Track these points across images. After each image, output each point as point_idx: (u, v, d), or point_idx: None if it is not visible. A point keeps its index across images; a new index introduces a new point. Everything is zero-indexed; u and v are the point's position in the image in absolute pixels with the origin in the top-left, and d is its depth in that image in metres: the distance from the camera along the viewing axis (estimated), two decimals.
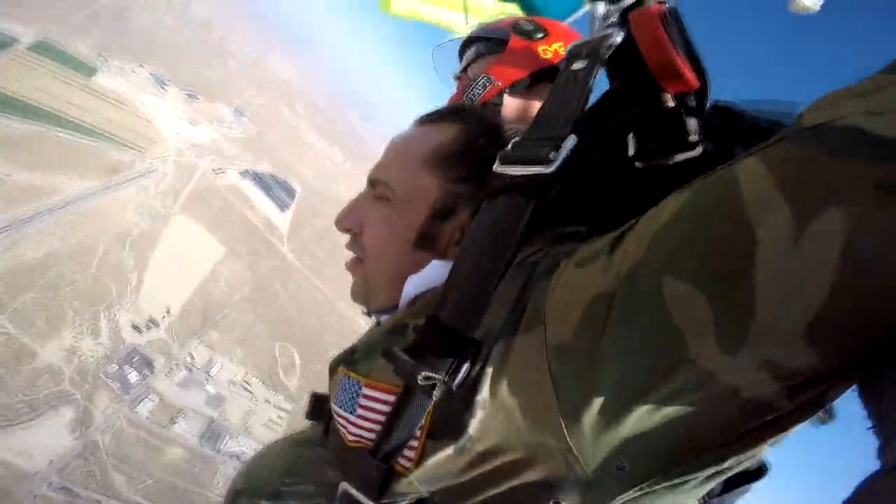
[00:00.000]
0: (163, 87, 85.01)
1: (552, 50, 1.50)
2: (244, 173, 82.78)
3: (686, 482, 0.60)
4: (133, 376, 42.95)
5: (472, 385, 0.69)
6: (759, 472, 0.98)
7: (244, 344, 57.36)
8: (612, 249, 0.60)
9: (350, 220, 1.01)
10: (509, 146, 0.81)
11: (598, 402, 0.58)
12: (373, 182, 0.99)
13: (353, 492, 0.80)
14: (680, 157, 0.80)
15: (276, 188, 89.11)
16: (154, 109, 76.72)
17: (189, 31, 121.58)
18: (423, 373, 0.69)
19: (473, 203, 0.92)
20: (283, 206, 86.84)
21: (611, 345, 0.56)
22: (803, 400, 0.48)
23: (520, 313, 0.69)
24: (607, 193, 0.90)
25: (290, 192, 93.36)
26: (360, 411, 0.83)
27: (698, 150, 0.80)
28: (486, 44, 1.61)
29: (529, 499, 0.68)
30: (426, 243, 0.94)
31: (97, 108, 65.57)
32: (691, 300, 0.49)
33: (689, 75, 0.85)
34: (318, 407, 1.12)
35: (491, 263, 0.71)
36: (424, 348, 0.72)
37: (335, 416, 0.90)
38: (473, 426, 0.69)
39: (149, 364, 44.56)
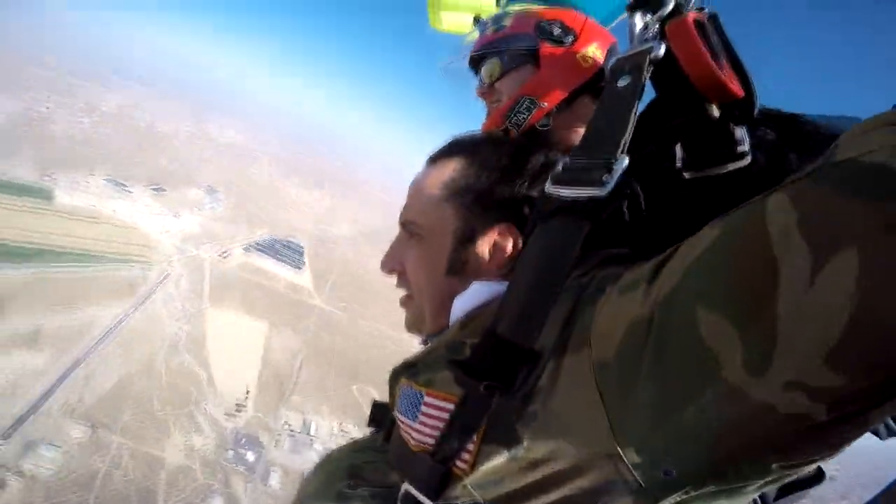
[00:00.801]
0: (126, 190, 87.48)
1: (591, 56, 1.44)
2: (248, 248, 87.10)
3: (731, 489, 0.66)
4: (250, 456, 47.80)
5: (527, 395, 0.77)
6: (816, 478, 1.08)
7: (326, 398, 61.75)
8: (651, 278, 0.67)
9: (392, 263, 1.15)
10: (559, 167, 0.89)
11: (642, 415, 0.64)
12: (403, 224, 1.13)
13: (414, 492, 0.91)
14: (729, 167, 0.82)
15: (284, 250, 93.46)
16: (132, 215, 79.86)
17: (113, 125, 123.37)
18: (482, 382, 0.79)
19: (498, 221, 1.04)
20: (297, 266, 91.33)
21: (650, 364, 0.62)
22: (841, 413, 0.50)
23: (568, 334, 0.76)
24: (656, 206, 0.91)
25: (298, 250, 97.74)
26: (421, 418, 0.93)
27: (747, 160, 0.82)
28: (511, 56, 1.50)
29: (578, 503, 0.75)
30: (456, 269, 1.05)
31: (76, 230, 68.67)
32: (722, 328, 0.54)
33: (731, 85, 0.90)
34: (379, 414, 1.26)
35: (548, 284, 0.80)
36: (484, 360, 0.82)
37: (399, 422, 1.00)
38: (526, 435, 0.76)
39: (257, 441, 49.39)
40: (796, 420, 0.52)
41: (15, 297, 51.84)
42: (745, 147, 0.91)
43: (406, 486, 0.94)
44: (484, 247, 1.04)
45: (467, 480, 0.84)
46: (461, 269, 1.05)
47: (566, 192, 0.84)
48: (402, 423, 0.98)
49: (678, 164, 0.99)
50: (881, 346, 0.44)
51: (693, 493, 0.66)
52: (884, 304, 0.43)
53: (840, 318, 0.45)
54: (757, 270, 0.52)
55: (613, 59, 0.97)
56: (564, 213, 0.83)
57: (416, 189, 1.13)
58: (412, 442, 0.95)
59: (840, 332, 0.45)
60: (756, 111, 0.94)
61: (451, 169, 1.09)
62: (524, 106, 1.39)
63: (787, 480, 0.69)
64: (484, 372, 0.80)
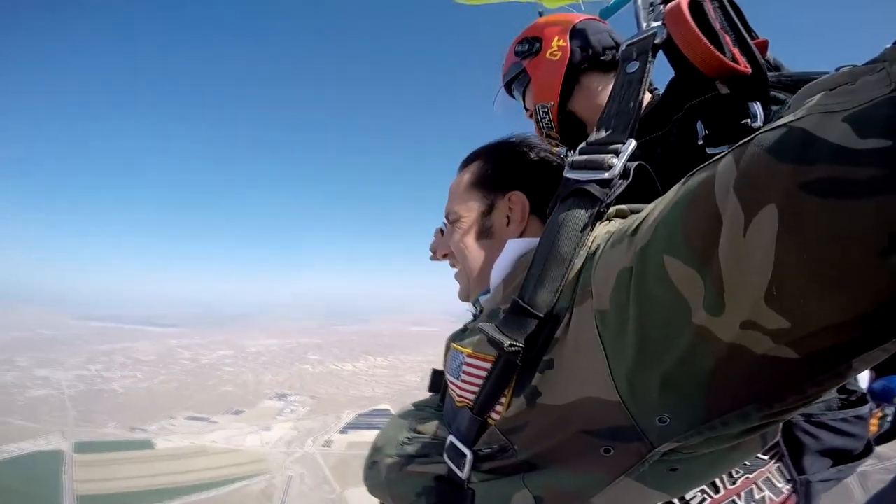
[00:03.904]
0: (211, 422, 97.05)
1: (557, 48, 1.62)
2: (343, 430, 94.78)
3: (721, 436, 0.73)
4: None
5: (543, 349, 0.89)
6: (864, 452, 1.15)
7: None
8: (634, 232, 0.76)
9: (438, 250, 1.42)
10: (577, 152, 1.01)
11: (634, 357, 0.73)
12: (446, 216, 1.37)
13: (456, 442, 1.05)
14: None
15: (375, 419, 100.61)
16: (229, 440, 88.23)
17: (163, 370, 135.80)
18: (507, 342, 0.90)
19: (509, 191, 1.26)
20: None
21: (634, 310, 0.72)
22: (808, 353, 0.56)
23: (577, 290, 0.87)
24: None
25: (385, 413, 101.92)
26: (463, 376, 1.08)
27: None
28: (516, 83, 1.79)
29: (586, 446, 0.85)
30: (485, 233, 1.28)
31: (192, 465, 76.23)
32: (687, 274, 0.63)
33: (734, 65, 0.95)
34: (437, 379, 1.53)
35: (561, 256, 0.91)
36: (510, 324, 0.94)
37: (448, 382, 1.17)
38: (544, 383, 0.88)
39: None
40: (771, 362, 0.59)
41: None
42: (759, 122, 0.96)
43: (450, 438, 1.08)
44: (502, 213, 1.27)
45: (497, 426, 0.98)
46: (489, 232, 1.28)
47: (579, 175, 0.96)
48: (450, 382, 1.14)
49: (700, 141, 1.06)
50: (805, 292, 0.51)
51: (685, 442, 0.73)
52: (798, 256, 0.49)
53: (767, 266, 0.52)
54: (706, 223, 0.59)
55: (623, 47, 1.09)
56: (576, 195, 0.95)
57: (452, 189, 1.38)
58: (456, 398, 1.11)
59: (769, 278, 0.52)
60: (768, 85, 0.99)
61: (473, 167, 1.36)
62: (541, 113, 1.64)
63: (765, 430, 0.75)
64: (511, 336, 0.92)
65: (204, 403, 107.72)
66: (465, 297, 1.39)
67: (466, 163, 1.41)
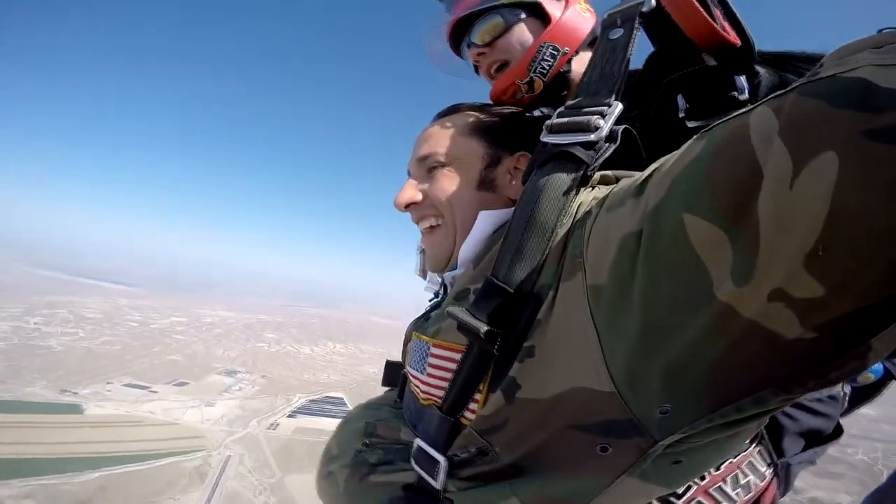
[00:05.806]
0: (151, 391, 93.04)
1: (587, 10, 1.52)
2: (291, 415, 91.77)
3: (731, 424, 0.65)
4: None
5: (523, 335, 0.79)
6: (834, 434, 1.12)
7: None
8: (638, 192, 0.68)
9: (408, 196, 1.17)
10: (555, 116, 0.94)
11: (635, 341, 0.64)
12: (421, 159, 1.18)
13: (425, 446, 0.94)
14: (731, 115, 0.75)
15: (327, 406, 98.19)
16: (168, 411, 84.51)
17: (108, 331, 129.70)
18: (483, 328, 0.80)
19: (517, 150, 1.17)
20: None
21: (642, 280, 0.63)
22: (829, 333, 0.51)
23: (563, 265, 0.78)
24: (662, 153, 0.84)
25: (340, 402, 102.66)
26: (429, 370, 0.97)
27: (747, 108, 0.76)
28: (511, 10, 1.50)
29: (578, 444, 0.75)
30: (486, 184, 1.13)
31: (123, 435, 72.61)
32: (712, 235, 0.56)
33: (726, 36, 0.93)
34: (393, 373, 1.40)
35: (540, 228, 0.83)
36: (484, 306, 0.83)
37: (409, 377, 1.06)
38: (525, 373, 0.78)
39: None
40: (791, 343, 0.53)
41: (93, 500, 55.86)
42: (745, 95, 0.94)
43: (418, 442, 0.96)
44: (506, 170, 1.15)
45: (473, 427, 0.86)
46: (490, 185, 1.14)
47: (560, 139, 0.89)
48: (412, 377, 1.04)
49: (681, 114, 1.03)
50: (854, 249, 0.46)
51: (690, 432, 0.66)
52: (858, 207, 0.45)
53: (816, 220, 0.47)
54: (741, 176, 0.54)
55: (605, 14, 1.06)
56: (558, 159, 0.88)
57: (436, 132, 1.20)
58: (421, 396, 1.00)
59: (817, 234, 0.47)
60: (755, 58, 0.99)
61: (469, 115, 1.21)
62: (548, 53, 1.43)
63: (774, 413, 0.72)
64: (486, 319, 0.82)
65: (146, 371, 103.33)
66: (442, 262, 1.21)
67: (455, 110, 1.27)
